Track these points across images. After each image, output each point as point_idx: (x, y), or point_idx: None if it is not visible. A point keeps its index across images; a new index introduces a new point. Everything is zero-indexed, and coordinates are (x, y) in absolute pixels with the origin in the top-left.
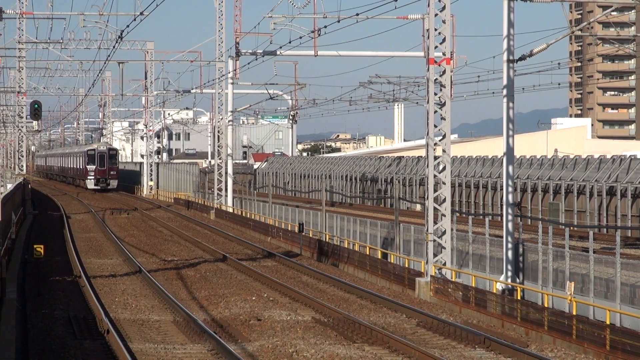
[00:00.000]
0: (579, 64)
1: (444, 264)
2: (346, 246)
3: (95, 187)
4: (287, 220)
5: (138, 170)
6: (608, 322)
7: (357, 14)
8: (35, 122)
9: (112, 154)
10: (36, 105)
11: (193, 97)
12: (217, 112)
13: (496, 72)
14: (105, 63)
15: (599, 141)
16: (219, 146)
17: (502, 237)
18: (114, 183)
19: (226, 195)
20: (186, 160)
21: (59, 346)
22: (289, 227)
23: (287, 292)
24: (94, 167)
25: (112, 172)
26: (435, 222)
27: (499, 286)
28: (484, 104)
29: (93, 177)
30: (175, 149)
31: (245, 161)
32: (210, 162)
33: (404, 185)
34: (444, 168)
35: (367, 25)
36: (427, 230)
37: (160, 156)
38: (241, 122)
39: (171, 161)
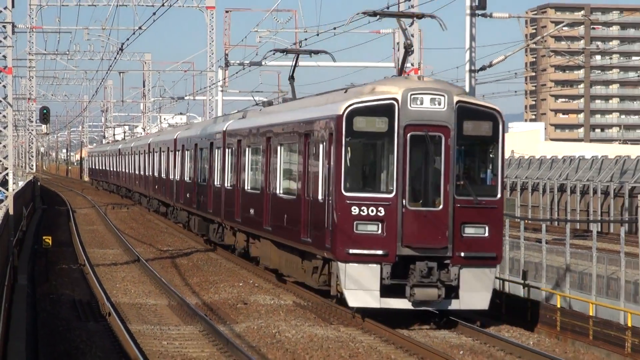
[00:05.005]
0: (534, 73)
1: None
2: None
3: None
4: None
5: None
6: (559, 306)
7: (335, 28)
8: (44, 126)
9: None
10: (45, 111)
11: (187, 103)
12: (208, 117)
13: (459, 81)
14: (107, 72)
15: (551, 143)
16: None
17: None
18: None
19: None
20: None
21: (65, 327)
22: None
23: (271, 279)
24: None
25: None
26: None
27: None
28: None
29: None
30: None
31: None
32: None
33: None
34: None
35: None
36: None
37: None
38: None
39: None
